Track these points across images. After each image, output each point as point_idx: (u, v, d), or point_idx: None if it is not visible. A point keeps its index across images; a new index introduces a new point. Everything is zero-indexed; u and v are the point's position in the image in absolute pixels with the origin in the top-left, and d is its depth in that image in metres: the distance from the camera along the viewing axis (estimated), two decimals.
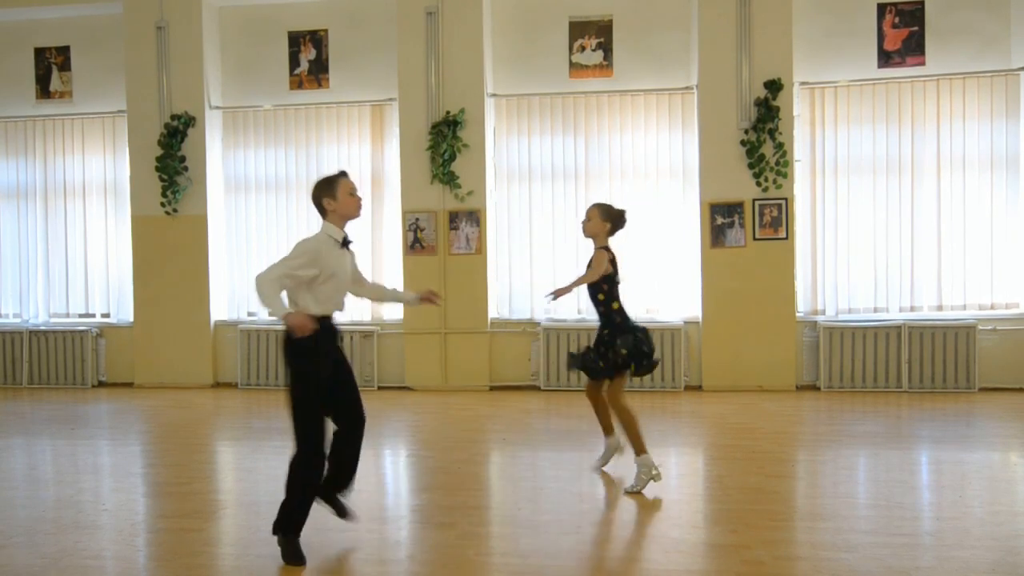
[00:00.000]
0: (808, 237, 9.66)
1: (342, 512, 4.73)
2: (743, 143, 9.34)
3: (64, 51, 10.93)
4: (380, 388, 10.09)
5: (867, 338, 9.35)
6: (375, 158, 10.34)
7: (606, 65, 9.97)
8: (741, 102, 9.37)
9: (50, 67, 10.98)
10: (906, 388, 9.28)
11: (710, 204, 9.47)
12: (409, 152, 9.90)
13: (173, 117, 10.24)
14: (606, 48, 9.97)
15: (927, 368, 9.26)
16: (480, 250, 9.81)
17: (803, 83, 9.57)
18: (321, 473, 4.43)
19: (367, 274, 10.19)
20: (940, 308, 9.48)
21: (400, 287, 9.88)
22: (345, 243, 4.48)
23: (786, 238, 9.37)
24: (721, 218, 9.45)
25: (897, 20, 9.51)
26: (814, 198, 9.66)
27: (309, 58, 10.47)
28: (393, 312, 10.16)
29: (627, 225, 5.85)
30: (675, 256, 9.75)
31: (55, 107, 10.97)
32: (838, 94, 9.60)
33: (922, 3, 9.45)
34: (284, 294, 4.27)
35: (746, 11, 9.35)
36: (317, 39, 10.44)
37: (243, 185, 10.60)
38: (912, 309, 9.52)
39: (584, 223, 5.78)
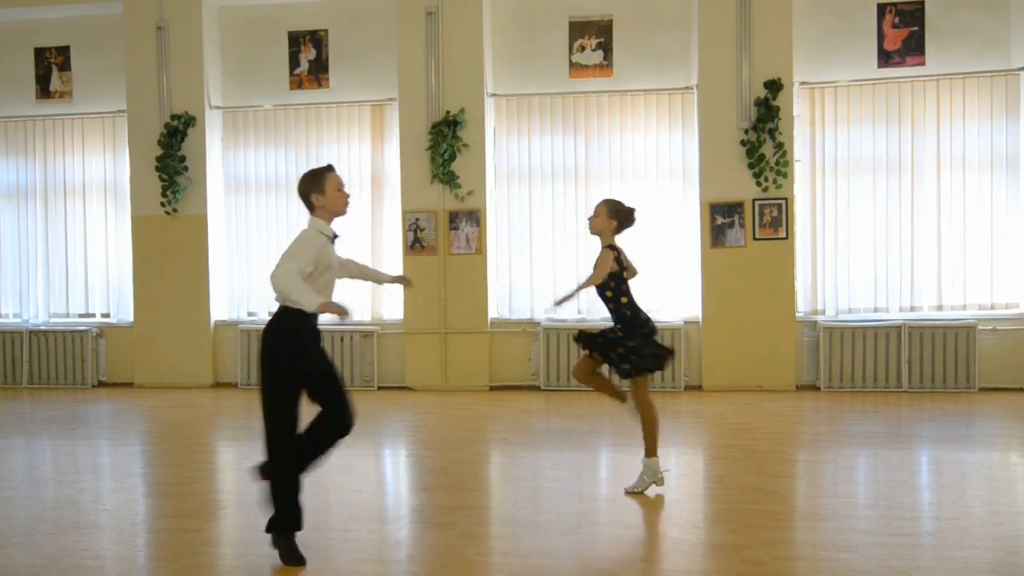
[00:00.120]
0: (808, 237, 9.66)
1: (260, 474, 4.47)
2: (743, 143, 9.34)
3: (64, 51, 10.93)
4: (380, 388, 10.09)
5: (867, 338, 9.35)
6: (375, 158, 10.34)
7: (606, 65, 9.97)
8: (741, 102, 9.37)
9: (50, 67, 10.98)
10: (906, 388, 9.28)
11: (710, 204, 9.47)
12: (409, 152, 9.90)
13: (173, 117, 10.24)
14: (606, 48, 9.97)
15: (927, 368, 9.26)
16: (480, 250, 9.81)
17: (803, 83, 9.57)
18: (298, 465, 4.36)
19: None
20: (940, 308, 9.48)
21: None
22: (333, 238, 4.46)
23: (786, 238, 9.37)
24: (721, 218, 9.45)
25: (897, 20, 9.51)
26: (814, 198, 9.66)
27: (309, 58, 10.47)
28: (393, 312, 10.16)
29: (636, 224, 5.70)
30: (675, 256, 9.75)
31: (55, 107, 10.97)
32: (838, 94, 9.60)
33: (922, 3, 9.45)
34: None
35: (746, 11, 9.35)
36: (317, 39, 10.44)
37: (243, 185, 10.60)
38: (912, 309, 9.52)
39: (590, 219, 5.66)
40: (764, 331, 9.36)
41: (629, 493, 5.49)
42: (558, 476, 6.13)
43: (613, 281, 5.52)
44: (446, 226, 9.85)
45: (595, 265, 5.60)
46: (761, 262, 9.38)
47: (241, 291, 10.55)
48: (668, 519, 5.07)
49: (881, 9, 9.53)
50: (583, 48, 10.00)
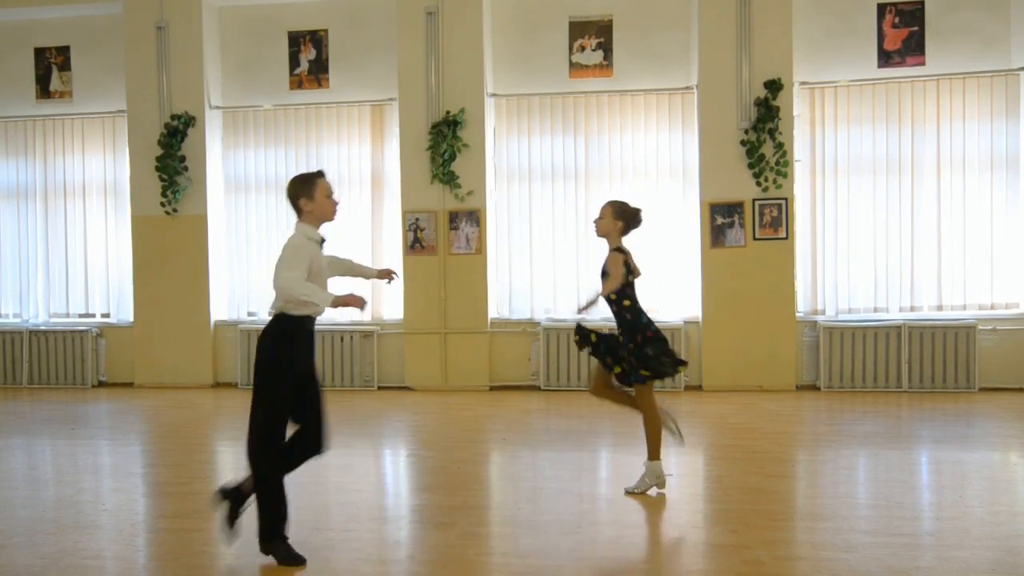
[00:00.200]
0: (808, 237, 9.66)
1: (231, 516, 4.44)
2: (743, 143, 9.34)
3: (64, 51, 10.93)
4: (380, 388, 10.08)
5: (867, 338, 9.35)
6: (375, 158, 10.34)
7: (606, 65, 9.97)
8: (741, 102, 9.37)
9: (50, 67, 10.98)
10: (906, 388, 9.28)
11: (710, 204, 9.47)
12: (409, 152, 9.90)
13: (173, 117, 10.24)
14: (606, 48, 9.97)
15: (927, 368, 9.26)
16: (480, 250, 9.81)
17: (803, 83, 9.57)
18: (280, 467, 4.34)
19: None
20: (940, 308, 9.48)
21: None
22: (321, 243, 4.44)
23: (786, 238, 9.37)
24: (721, 218, 9.45)
25: (897, 20, 9.51)
26: (814, 198, 9.66)
27: (309, 58, 10.47)
28: (393, 312, 10.16)
29: (642, 225, 5.63)
30: (675, 256, 9.74)
31: (55, 107, 10.97)
32: (838, 94, 9.60)
33: (922, 3, 9.45)
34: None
35: (746, 11, 9.35)
36: (317, 39, 10.44)
37: (243, 185, 10.60)
38: (912, 309, 9.52)
39: (596, 221, 5.60)
40: (764, 331, 9.35)
41: (629, 493, 5.49)
42: (558, 476, 6.13)
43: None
44: (446, 226, 9.85)
45: (604, 270, 5.50)
46: (761, 262, 9.38)
47: (241, 291, 10.55)
48: (668, 519, 5.07)
49: (881, 9, 9.53)
50: (583, 48, 10.00)
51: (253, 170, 10.57)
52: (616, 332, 5.53)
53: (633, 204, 5.65)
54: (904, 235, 9.50)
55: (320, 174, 4.46)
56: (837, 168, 9.62)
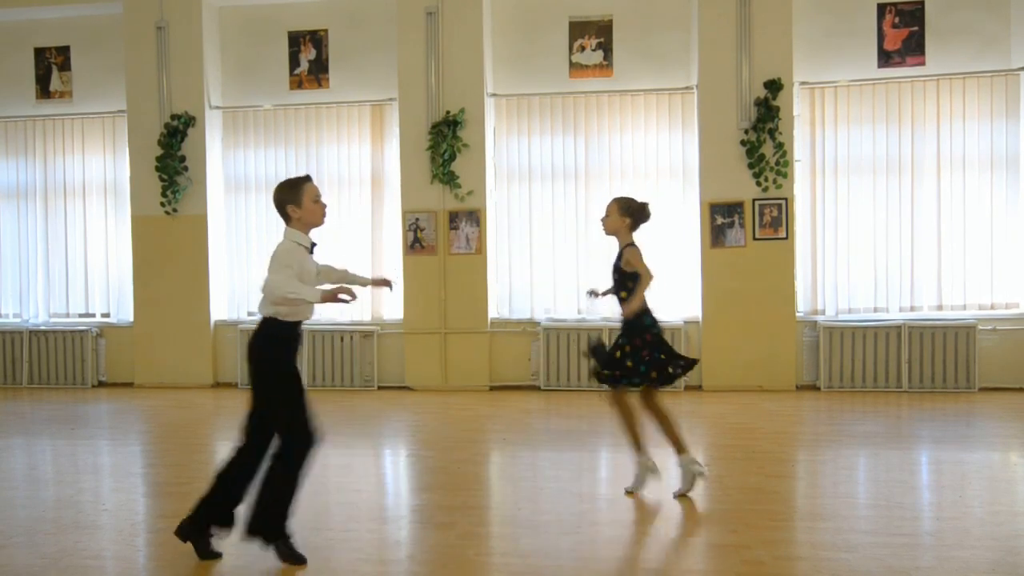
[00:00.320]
0: (808, 237, 9.66)
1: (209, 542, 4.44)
2: (743, 143, 9.34)
3: (64, 51, 10.93)
4: (380, 388, 10.08)
5: (867, 338, 9.35)
6: (375, 158, 10.34)
7: (606, 65, 9.97)
8: (741, 102, 9.37)
9: (50, 67, 10.98)
10: (906, 388, 9.28)
11: (710, 204, 9.47)
12: (409, 152, 9.90)
13: (173, 117, 10.24)
14: (606, 48, 9.97)
15: (927, 368, 9.26)
16: (480, 250, 9.81)
17: (803, 83, 9.57)
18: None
19: (366, 273, 10.24)
20: (940, 308, 9.48)
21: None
22: (311, 249, 4.42)
23: (786, 238, 9.37)
24: (721, 218, 9.45)
25: (897, 20, 9.51)
26: (814, 198, 9.66)
27: (309, 58, 10.47)
28: (393, 312, 10.16)
29: (651, 218, 5.57)
30: (675, 256, 9.74)
31: (55, 107, 10.97)
32: (838, 94, 9.60)
33: (922, 3, 9.45)
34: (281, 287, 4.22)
35: (746, 11, 9.35)
36: (317, 39, 10.44)
37: (243, 185, 10.60)
38: (912, 309, 9.52)
39: (603, 220, 5.55)
40: (764, 331, 9.35)
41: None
42: (558, 476, 6.13)
43: (632, 282, 5.41)
44: (446, 226, 9.85)
45: (619, 267, 5.41)
46: (761, 262, 9.38)
47: (241, 291, 10.54)
48: (668, 519, 5.07)
49: (881, 9, 9.53)
50: (583, 48, 10.00)
51: (253, 170, 10.57)
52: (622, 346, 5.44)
53: (639, 199, 5.58)
54: (904, 235, 9.50)
55: (307, 178, 4.42)
56: (837, 168, 9.62)
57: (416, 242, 9.91)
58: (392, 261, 10.14)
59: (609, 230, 5.53)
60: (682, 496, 5.38)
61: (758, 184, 9.33)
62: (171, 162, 10.17)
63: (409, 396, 9.65)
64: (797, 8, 9.46)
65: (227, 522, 4.43)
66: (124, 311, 10.78)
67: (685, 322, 9.64)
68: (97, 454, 7.22)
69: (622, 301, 5.47)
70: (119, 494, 5.88)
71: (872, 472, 6.26)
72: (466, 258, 9.84)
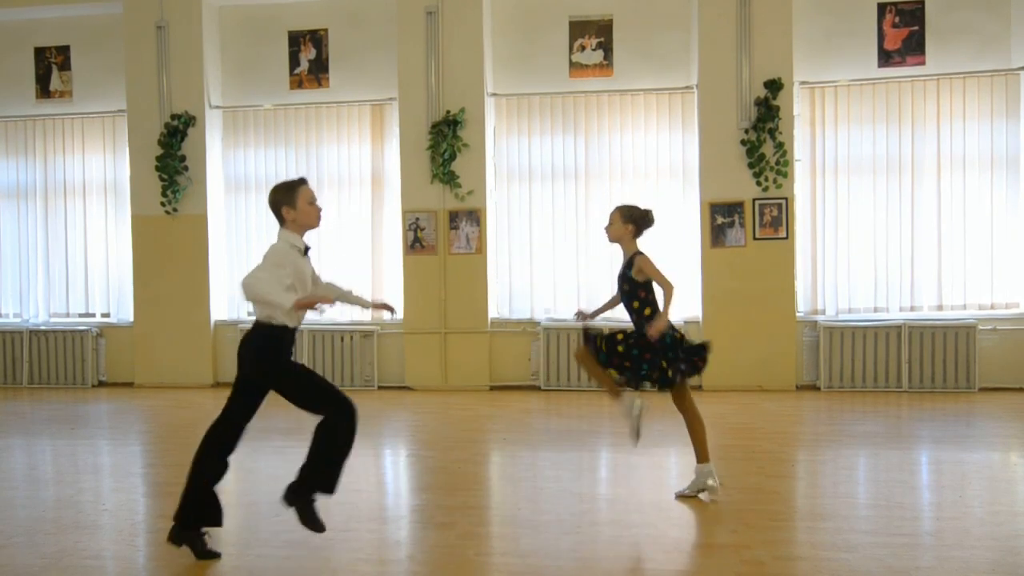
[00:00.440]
0: (808, 237, 9.66)
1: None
2: (743, 143, 9.33)
3: (64, 51, 10.93)
4: (380, 388, 10.09)
5: (867, 338, 9.35)
6: (375, 158, 10.34)
7: (606, 65, 9.97)
8: (741, 102, 9.37)
9: (50, 67, 10.98)
10: (906, 388, 9.28)
11: (710, 204, 9.47)
12: (409, 152, 9.90)
13: (173, 117, 10.23)
14: (606, 48, 9.97)
15: (927, 368, 9.26)
16: (480, 250, 9.81)
17: (803, 83, 9.57)
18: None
19: (366, 273, 10.27)
20: (940, 308, 9.47)
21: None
22: (305, 251, 4.42)
23: (786, 238, 9.37)
24: (721, 218, 9.45)
25: (897, 20, 9.51)
26: (814, 198, 9.66)
27: (309, 58, 10.47)
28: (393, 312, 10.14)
29: (655, 225, 5.49)
30: (675, 256, 9.72)
31: (55, 107, 10.96)
32: (838, 94, 9.60)
33: (922, 3, 9.45)
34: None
35: (746, 11, 9.35)
36: (317, 39, 10.44)
37: (243, 185, 10.60)
38: (912, 309, 9.52)
39: (606, 228, 5.48)
40: (764, 331, 9.35)
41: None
42: (558, 476, 6.13)
43: (643, 291, 5.35)
44: (446, 226, 9.85)
45: (629, 276, 5.32)
46: (761, 262, 9.38)
47: (241, 291, 10.51)
48: (668, 519, 5.07)
49: (881, 9, 9.53)
50: (583, 48, 10.00)
51: (253, 170, 10.57)
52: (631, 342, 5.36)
53: (642, 206, 5.51)
54: (904, 235, 9.50)
55: (302, 181, 4.43)
56: (837, 168, 9.62)
57: (416, 242, 9.91)
58: (392, 261, 10.14)
59: (613, 238, 5.46)
60: (683, 497, 5.38)
61: (758, 184, 9.32)
62: (171, 162, 10.16)
63: (409, 396, 9.65)
64: (797, 8, 9.46)
65: (213, 518, 4.40)
66: (124, 311, 10.78)
67: (685, 322, 9.60)
68: (97, 454, 7.22)
69: (633, 311, 5.39)
70: (119, 494, 5.88)
71: (872, 472, 6.26)
72: (466, 258, 9.84)
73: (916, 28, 9.47)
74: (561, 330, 9.71)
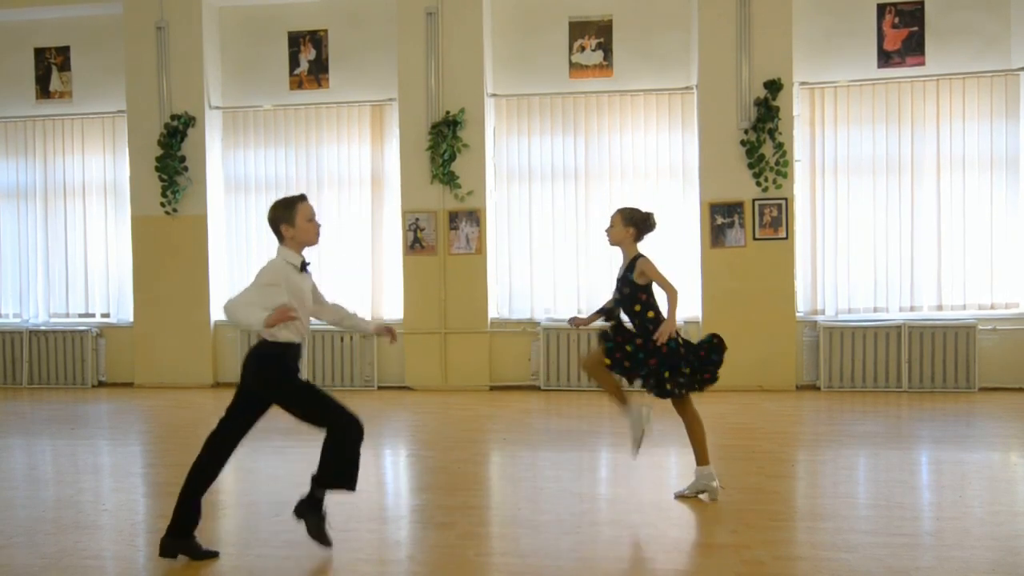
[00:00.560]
0: (808, 237, 9.66)
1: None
2: (743, 143, 9.34)
3: (64, 51, 10.93)
4: (380, 388, 10.09)
5: (867, 338, 9.35)
6: (375, 158, 10.34)
7: (606, 65, 9.97)
8: (741, 102, 9.37)
9: (50, 67, 10.98)
10: (906, 388, 9.28)
11: (710, 204, 9.47)
12: (409, 152, 9.90)
13: (173, 117, 10.23)
14: (606, 48, 9.97)
15: (927, 368, 9.26)
16: (480, 250, 9.81)
17: (803, 83, 9.57)
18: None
19: (366, 273, 10.27)
20: (940, 308, 9.47)
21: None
22: (303, 267, 4.41)
23: (786, 238, 9.37)
24: (721, 218, 9.45)
25: (897, 20, 9.51)
26: (814, 198, 9.66)
27: (309, 58, 10.47)
28: (393, 311, 10.16)
29: (656, 228, 5.46)
30: (675, 256, 9.72)
31: (55, 107, 10.96)
32: (838, 94, 9.60)
33: (922, 3, 9.45)
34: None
35: (746, 11, 9.35)
36: (317, 39, 10.44)
37: (243, 185, 10.60)
38: (912, 309, 9.52)
39: (607, 231, 5.45)
40: (764, 331, 9.35)
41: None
42: (558, 476, 6.13)
43: (644, 294, 5.32)
44: (446, 226, 9.85)
45: (629, 279, 5.29)
46: (761, 262, 9.38)
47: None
48: (668, 519, 5.07)
49: (881, 9, 9.53)
50: (583, 48, 10.00)
51: (253, 170, 10.57)
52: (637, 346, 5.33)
53: (643, 209, 5.49)
54: (904, 235, 9.50)
55: (302, 198, 4.42)
56: (837, 168, 9.62)
57: (416, 242, 9.91)
58: (392, 261, 10.14)
59: (614, 241, 5.43)
60: (682, 497, 5.38)
61: (758, 184, 9.33)
62: (171, 162, 10.16)
63: (409, 396, 9.65)
64: (797, 8, 9.46)
65: (195, 521, 4.41)
66: (124, 311, 10.78)
67: (685, 322, 9.60)
68: (97, 454, 7.22)
69: (635, 315, 5.36)
70: (119, 494, 5.87)
71: (872, 472, 6.26)
72: (466, 258, 9.84)
73: (916, 28, 9.48)
74: (561, 330, 9.71)
